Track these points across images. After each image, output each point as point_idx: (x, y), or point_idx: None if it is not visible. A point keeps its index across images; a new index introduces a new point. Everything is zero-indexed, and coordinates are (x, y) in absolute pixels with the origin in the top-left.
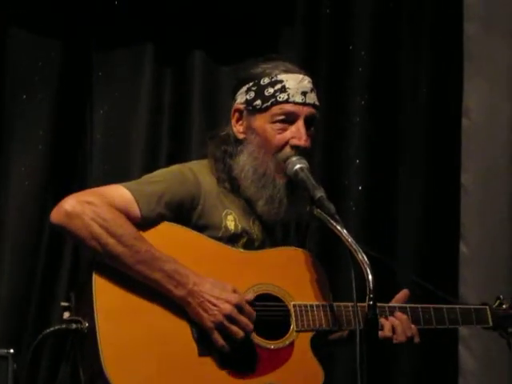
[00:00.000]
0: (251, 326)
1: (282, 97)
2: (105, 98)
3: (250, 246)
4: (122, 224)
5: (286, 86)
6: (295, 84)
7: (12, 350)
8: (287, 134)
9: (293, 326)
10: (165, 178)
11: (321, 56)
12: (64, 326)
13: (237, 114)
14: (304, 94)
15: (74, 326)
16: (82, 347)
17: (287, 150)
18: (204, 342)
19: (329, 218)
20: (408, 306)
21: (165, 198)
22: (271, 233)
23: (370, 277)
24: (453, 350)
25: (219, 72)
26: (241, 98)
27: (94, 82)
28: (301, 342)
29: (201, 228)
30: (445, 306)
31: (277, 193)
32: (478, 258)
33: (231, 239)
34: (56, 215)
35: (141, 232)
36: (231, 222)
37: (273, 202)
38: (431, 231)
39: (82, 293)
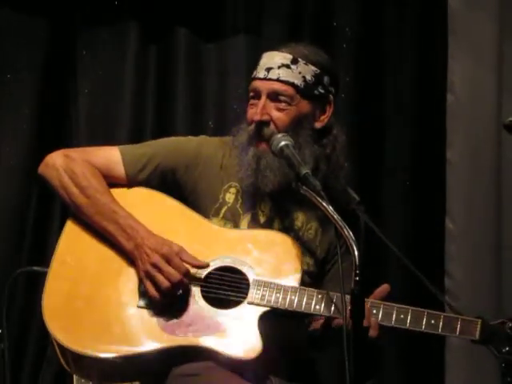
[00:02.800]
0: (176, 276)
1: (253, 74)
2: (89, 77)
3: (253, 222)
4: (88, 177)
5: (260, 63)
6: (265, 60)
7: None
8: (255, 109)
9: (246, 299)
10: (162, 144)
11: (306, 32)
12: (35, 268)
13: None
14: (268, 69)
15: (45, 269)
16: None
17: (252, 125)
18: (146, 296)
19: (315, 195)
20: (383, 303)
21: (154, 161)
22: (284, 214)
23: (357, 252)
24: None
25: (203, 49)
26: None
27: (79, 60)
28: (249, 314)
29: (196, 196)
30: (427, 310)
31: (248, 161)
32: (464, 233)
33: (231, 210)
34: (41, 165)
35: (120, 192)
36: (231, 195)
37: (247, 169)
38: (417, 207)
39: None
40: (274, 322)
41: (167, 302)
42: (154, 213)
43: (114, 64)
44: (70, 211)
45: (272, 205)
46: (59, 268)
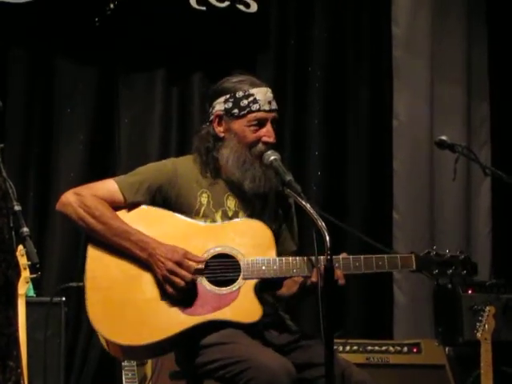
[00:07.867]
0: (189, 277)
1: (255, 107)
2: (128, 110)
3: (224, 216)
4: (99, 208)
5: (257, 98)
6: (263, 96)
7: (64, 298)
8: (260, 133)
9: (241, 276)
10: (146, 170)
11: (289, 74)
12: (71, 284)
13: (217, 119)
14: (270, 102)
15: (80, 283)
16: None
17: (260, 145)
18: (166, 293)
19: (296, 196)
20: (341, 257)
21: (145, 185)
22: (246, 206)
23: (328, 238)
24: (389, 288)
25: None
26: (219, 106)
27: (120, 98)
28: (246, 287)
29: (180, 204)
30: (375, 255)
31: (257, 172)
32: (406, 222)
33: (207, 210)
34: (57, 205)
35: (126, 213)
36: (205, 199)
37: (255, 179)
38: (372, 203)
39: None
40: (265, 287)
41: (184, 295)
42: (153, 223)
43: (147, 100)
44: (89, 236)
45: (236, 202)
46: (92, 282)
